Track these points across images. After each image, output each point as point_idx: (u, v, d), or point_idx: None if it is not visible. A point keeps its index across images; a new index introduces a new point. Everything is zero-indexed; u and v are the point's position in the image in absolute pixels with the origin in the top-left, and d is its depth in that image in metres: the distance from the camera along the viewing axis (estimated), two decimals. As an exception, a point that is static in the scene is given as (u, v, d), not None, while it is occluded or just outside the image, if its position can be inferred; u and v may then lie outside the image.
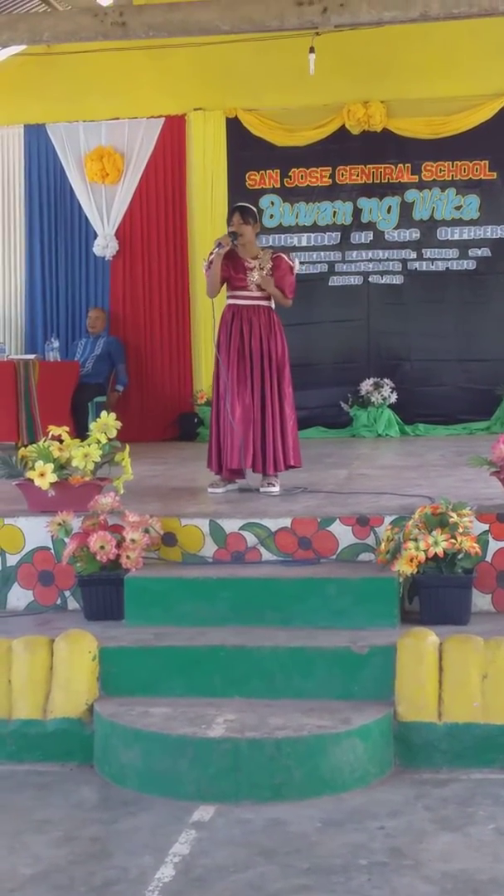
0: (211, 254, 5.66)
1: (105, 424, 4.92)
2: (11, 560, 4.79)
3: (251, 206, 5.88)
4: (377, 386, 9.91)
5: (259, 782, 3.35)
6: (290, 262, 5.76)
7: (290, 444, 5.65)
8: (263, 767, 3.35)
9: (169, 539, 4.71)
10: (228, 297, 5.73)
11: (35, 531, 4.77)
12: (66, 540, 4.56)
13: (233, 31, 5.98)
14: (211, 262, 5.63)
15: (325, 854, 2.95)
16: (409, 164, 10.01)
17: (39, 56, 9.73)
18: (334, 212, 10.15)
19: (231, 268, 5.65)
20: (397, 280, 10.13)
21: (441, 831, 3.08)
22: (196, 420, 10.07)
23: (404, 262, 10.09)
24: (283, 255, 5.78)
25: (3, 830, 3.19)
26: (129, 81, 10.03)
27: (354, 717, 3.55)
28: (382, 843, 3.01)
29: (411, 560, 4.14)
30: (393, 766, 3.57)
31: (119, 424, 4.96)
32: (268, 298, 5.71)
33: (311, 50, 8.64)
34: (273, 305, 5.75)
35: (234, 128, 10.18)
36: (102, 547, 4.38)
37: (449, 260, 10.02)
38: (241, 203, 6.00)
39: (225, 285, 5.75)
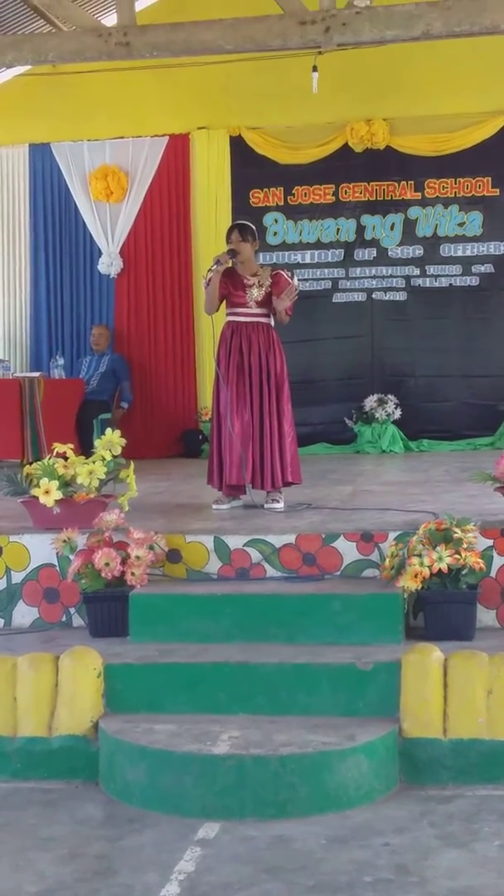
0: (210, 270, 5.70)
1: (110, 442, 4.94)
2: (17, 577, 4.80)
3: (249, 224, 5.91)
4: (381, 402, 9.92)
5: (264, 799, 3.35)
6: (289, 279, 5.78)
7: (287, 461, 5.66)
8: (268, 784, 3.35)
9: (173, 556, 4.72)
10: (228, 314, 5.77)
11: (40, 548, 4.77)
12: (71, 557, 4.57)
13: (236, 50, 6.01)
14: (210, 280, 5.67)
15: (330, 871, 2.95)
16: (412, 182, 10.04)
17: (44, 76, 9.78)
18: (338, 229, 10.19)
19: (230, 285, 5.69)
20: (401, 296, 10.15)
21: (446, 848, 3.08)
22: (200, 437, 10.08)
23: (408, 278, 10.12)
24: (282, 272, 5.81)
25: (8, 848, 3.19)
26: (133, 101, 10.09)
27: (359, 734, 3.55)
28: (388, 860, 3.00)
29: (416, 576, 4.14)
30: (398, 783, 3.56)
31: (124, 442, 4.97)
32: (267, 315, 5.73)
33: (314, 69, 8.68)
34: (272, 322, 5.77)
35: (238, 146, 10.23)
36: (107, 564, 4.38)
37: (452, 276, 10.04)
38: (240, 221, 6.03)
39: (224, 302, 5.78)
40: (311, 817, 3.31)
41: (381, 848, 3.09)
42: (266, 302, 5.69)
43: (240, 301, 5.69)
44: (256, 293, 5.67)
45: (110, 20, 8.05)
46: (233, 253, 5.66)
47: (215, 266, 5.63)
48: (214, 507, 5.64)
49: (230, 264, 5.66)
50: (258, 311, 5.70)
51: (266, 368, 5.66)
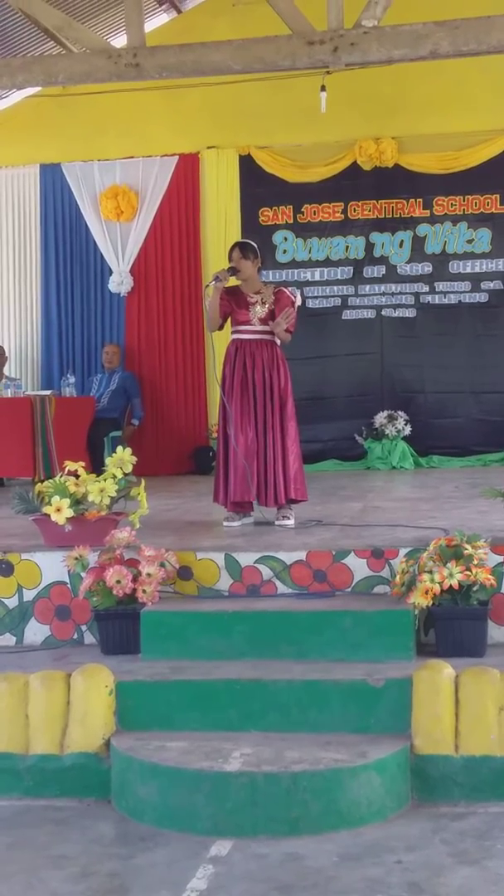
0: (207, 286, 5.75)
1: (121, 459, 4.96)
2: (28, 595, 4.82)
3: (251, 243, 5.95)
4: (391, 418, 9.93)
5: (276, 816, 3.34)
6: (292, 297, 5.81)
7: (291, 477, 5.66)
8: (280, 802, 3.35)
9: (185, 573, 4.73)
10: (232, 332, 5.80)
11: (52, 566, 4.79)
12: (83, 574, 4.58)
13: (245, 71, 6.04)
14: (209, 296, 5.72)
15: (342, 889, 2.94)
16: (421, 199, 10.09)
17: (55, 97, 9.86)
18: (347, 246, 10.22)
19: (233, 303, 5.73)
20: (410, 313, 10.18)
21: (459, 865, 3.07)
22: (211, 454, 10.06)
23: (417, 295, 10.15)
24: (285, 290, 5.86)
25: (21, 866, 3.19)
26: (142, 121, 10.17)
27: (371, 751, 3.54)
28: (400, 878, 2.99)
29: (426, 592, 4.14)
30: (410, 800, 3.55)
31: (135, 459, 4.99)
32: (271, 333, 5.76)
33: (323, 88, 8.74)
34: (278, 341, 5.80)
35: (247, 165, 10.30)
36: (119, 581, 4.40)
37: (461, 293, 10.07)
38: (241, 240, 6.07)
39: (229, 321, 5.82)
40: (324, 835, 3.31)
41: (394, 865, 3.08)
42: (268, 319, 5.73)
43: (243, 319, 5.73)
44: (260, 310, 5.71)
45: (120, 42, 8.11)
46: (233, 270, 5.71)
47: (213, 282, 5.67)
48: (226, 524, 5.65)
49: (228, 282, 5.70)
50: (262, 328, 5.73)
51: (270, 385, 5.69)
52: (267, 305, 5.73)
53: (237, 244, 5.88)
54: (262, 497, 5.63)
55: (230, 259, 5.79)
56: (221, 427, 5.76)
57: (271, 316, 5.72)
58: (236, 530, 5.53)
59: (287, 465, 5.66)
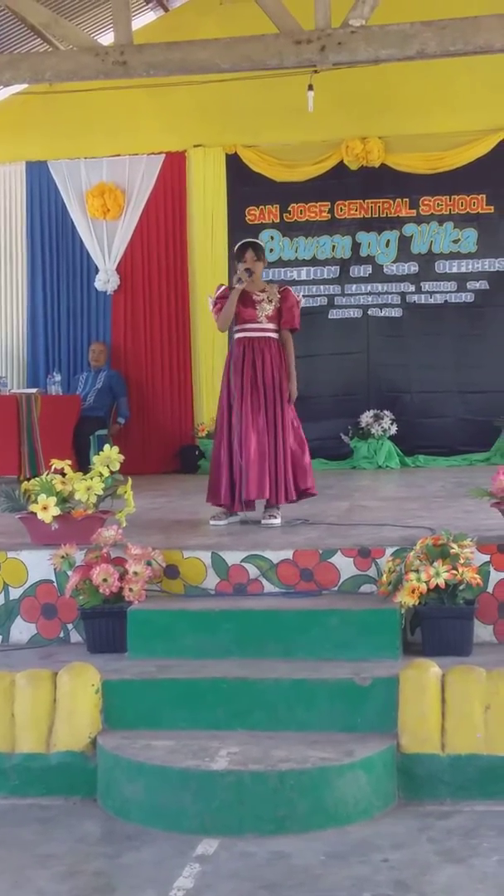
0: (220, 288, 5.77)
1: (108, 458, 4.95)
2: (14, 593, 4.80)
3: (260, 243, 5.98)
4: (377, 418, 9.96)
5: (263, 815, 3.34)
6: (297, 297, 5.90)
7: (298, 474, 5.69)
8: (267, 800, 3.35)
9: (171, 571, 4.72)
10: (237, 331, 5.76)
11: (38, 564, 4.78)
12: (69, 573, 4.57)
13: (232, 69, 6.04)
14: (220, 298, 5.72)
15: (329, 887, 2.94)
16: (407, 199, 10.12)
17: (41, 94, 9.85)
18: (333, 246, 10.24)
19: (240, 302, 5.72)
20: (396, 313, 10.20)
21: (445, 863, 3.07)
22: (197, 452, 10.10)
23: (403, 295, 10.18)
24: (290, 289, 5.92)
25: (7, 865, 3.18)
26: (129, 119, 10.16)
27: (357, 750, 3.55)
28: (387, 876, 3.00)
29: (413, 591, 4.14)
30: (396, 799, 3.56)
31: (122, 458, 4.98)
32: (276, 331, 5.78)
33: (310, 87, 8.75)
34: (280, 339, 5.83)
35: (234, 164, 10.31)
36: (105, 579, 4.39)
37: (447, 293, 10.11)
38: (251, 240, 6.08)
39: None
40: (310, 833, 3.31)
41: (380, 864, 3.08)
42: (275, 317, 5.76)
43: (250, 317, 5.73)
44: (267, 308, 5.72)
45: (107, 39, 8.10)
46: (249, 272, 5.71)
47: (237, 285, 5.66)
48: (213, 523, 5.65)
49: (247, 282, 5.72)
50: (268, 325, 5.74)
51: (279, 383, 5.70)
52: (273, 304, 5.74)
53: (250, 245, 5.86)
54: (273, 494, 5.64)
55: (242, 259, 5.75)
56: (224, 426, 5.71)
57: (276, 314, 5.75)
58: (223, 529, 5.53)
59: (296, 461, 5.70)
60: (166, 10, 10.44)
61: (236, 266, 5.81)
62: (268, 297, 5.75)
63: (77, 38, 6.24)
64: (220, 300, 5.75)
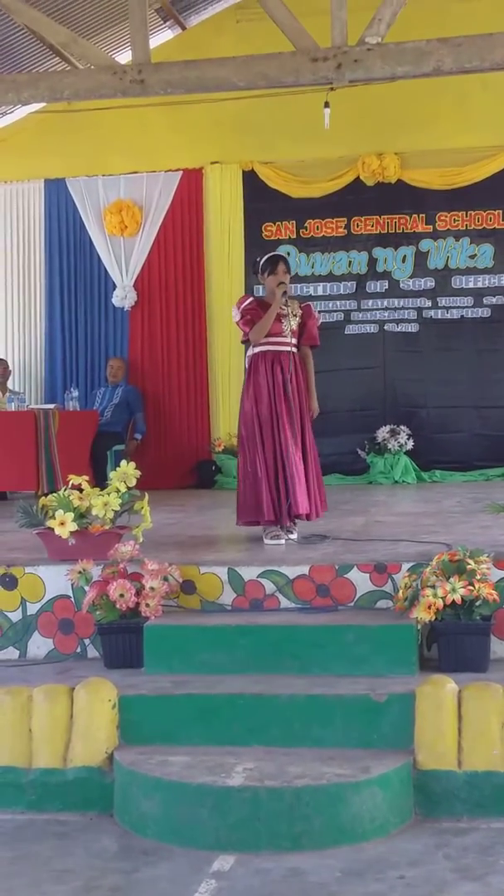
0: (248, 300, 5.79)
1: (125, 473, 4.97)
2: (32, 608, 4.82)
3: (286, 257, 5.99)
4: (394, 433, 9.95)
5: (279, 831, 3.34)
6: (316, 314, 5.97)
7: (320, 491, 5.70)
8: (283, 816, 3.35)
9: (188, 587, 4.73)
10: (262, 344, 5.71)
11: (55, 580, 4.80)
12: (86, 588, 4.59)
13: (248, 87, 6.07)
14: (247, 310, 5.72)
15: (345, 904, 2.94)
16: (424, 215, 10.13)
17: (59, 113, 9.92)
18: (349, 261, 10.27)
19: (264, 314, 5.71)
20: (413, 328, 10.21)
21: (462, 881, 3.06)
22: (214, 468, 10.12)
23: (419, 310, 10.19)
24: (310, 305, 5.97)
25: (24, 880, 3.19)
26: (147, 136, 10.23)
27: (374, 766, 3.54)
28: (402, 893, 2.99)
29: (429, 607, 4.14)
30: (413, 815, 3.55)
31: (139, 474, 5.00)
32: (297, 345, 5.79)
33: (326, 104, 8.78)
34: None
35: (251, 180, 10.35)
36: (122, 595, 4.40)
37: (464, 308, 10.11)
38: (279, 253, 6.09)
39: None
40: (326, 850, 3.30)
41: (396, 881, 3.07)
42: (297, 332, 5.77)
43: (276, 331, 5.71)
44: (293, 322, 5.73)
45: (125, 58, 8.16)
46: (284, 288, 5.72)
47: (283, 298, 5.67)
48: (271, 542, 5.51)
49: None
50: (292, 340, 5.74)
51: (304, 399, 5.72)
52: (297, 318, 5.76)
53: (281, 258, 5.84)
54: (313, 510, 5.64)
55: (274, 272, 5.72)
56: (258, 439, 5.61)
57: (300, 329, 5.77)
58: (242, 545, 5.52)
59: (320, 476, 5.72)
60: (183, 28, 10.51)
61: (263, 279, 5.79)
62: (292, 312, 5.76)
63: (95, 57, 6.30)
64: (249, 312, 5.75)
